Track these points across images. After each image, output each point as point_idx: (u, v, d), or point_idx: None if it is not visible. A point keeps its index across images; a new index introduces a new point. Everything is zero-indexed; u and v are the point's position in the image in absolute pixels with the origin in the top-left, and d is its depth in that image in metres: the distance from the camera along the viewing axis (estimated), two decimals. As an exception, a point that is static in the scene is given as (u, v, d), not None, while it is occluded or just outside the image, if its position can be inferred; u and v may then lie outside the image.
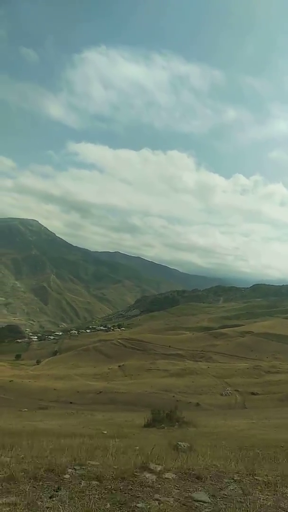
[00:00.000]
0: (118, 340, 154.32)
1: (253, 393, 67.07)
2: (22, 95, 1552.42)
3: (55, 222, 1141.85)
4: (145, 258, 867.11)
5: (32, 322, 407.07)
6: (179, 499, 3.86)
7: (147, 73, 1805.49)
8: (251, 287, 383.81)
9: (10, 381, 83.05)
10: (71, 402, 64.91)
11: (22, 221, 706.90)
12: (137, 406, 55.27)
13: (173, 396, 66.50)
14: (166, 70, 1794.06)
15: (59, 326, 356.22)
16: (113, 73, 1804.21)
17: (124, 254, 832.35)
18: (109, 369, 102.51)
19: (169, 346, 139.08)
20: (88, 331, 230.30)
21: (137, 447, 6.99)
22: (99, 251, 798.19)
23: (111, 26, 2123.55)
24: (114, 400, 65.40)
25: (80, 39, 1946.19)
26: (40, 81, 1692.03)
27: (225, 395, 66.87)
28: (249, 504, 3.72)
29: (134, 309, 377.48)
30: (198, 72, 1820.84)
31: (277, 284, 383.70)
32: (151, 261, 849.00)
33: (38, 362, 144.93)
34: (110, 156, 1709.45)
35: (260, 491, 4.21)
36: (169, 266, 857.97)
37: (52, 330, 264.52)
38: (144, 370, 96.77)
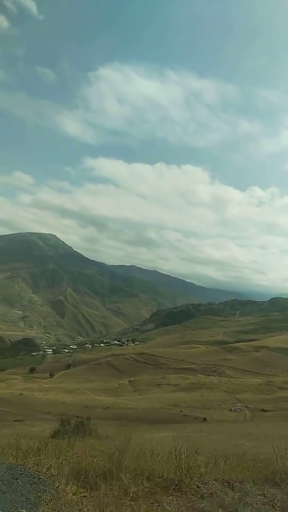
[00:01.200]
0: (131, 355, 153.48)
1: (263, 410, 65.30)
2: (40, 113, 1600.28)
3: (72, 237, 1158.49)
4: (161, 272, 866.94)
5: (48, 335, 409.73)
6: None
7: (161, 88, 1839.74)
8: (269, 300, 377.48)
9: (20, 394, 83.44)
10: (77, 417, 64.53)
11: (40, 236, 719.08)
12: (143, 422, 54.68)
13: (180, 411, 65.41)
14: (179, 85, 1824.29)
15: (74, 340, 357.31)
16: (127, 89, 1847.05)
17: (140, 267, 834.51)
18: (119, 384, 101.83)
19: (182, 360, 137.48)
20: (102, 345, 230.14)
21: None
22: (115, 264, 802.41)
23: (125, 43, 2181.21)
24: (120, 416, 64.70)
25: (95, 57, 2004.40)
26: (57, 99, 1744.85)
27: (234, 410, 65.35)
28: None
29: (149, 323, 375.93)
30: (211, 87, 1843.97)
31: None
32: (167, 275, 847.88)
33: (51, 375, 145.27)
34: (125, 170, 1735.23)
35: None
36: (185, 280, 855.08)
37: (67, 344, 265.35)
38: (154, 385, 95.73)
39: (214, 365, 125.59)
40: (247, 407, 67.70)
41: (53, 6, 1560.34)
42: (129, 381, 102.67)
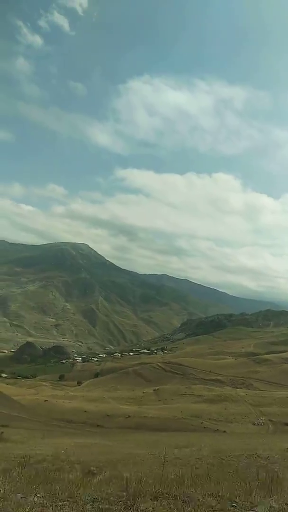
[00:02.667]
0: (158, 364, 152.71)
1: (287, 424, 63.18)
2: (72, 126, 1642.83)
3: (104, 246, 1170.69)
4: (193, 281, 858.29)
5: (80, 343, 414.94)
6: None
7: (190, 98, 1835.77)
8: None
9: (45, 401, 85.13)
10: (98, 425, 65.13)
11: (73, 245, 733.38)
12: (164, 432, 54.31)
13: (201, 423, 64.45)
14: (209, 94, 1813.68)
15: (105, 348, 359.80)
16: (157, 100, 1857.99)
17: (171, 276, 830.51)
18: (143, 393, 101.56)
19: (209, 371, 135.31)
20: (131, 353, 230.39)
21: None
22: (147, 273, 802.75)
23: (153, 55, 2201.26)
24: (141, 425, 64.61)
25: (125, 70, 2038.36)
26: (88, 111, 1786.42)
27: (257, 424, 63.57)
28: None
29: (179, 333, 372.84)
30: (241, 94, 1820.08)
31: None
32: (199, 284, 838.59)
33: (79, 383, 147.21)
34: (155, 180, 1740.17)
35: None
36: (217, 289, 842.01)
37: (97, 352, 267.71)
38: (178, 395, 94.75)
39: (242, 377, 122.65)
40: (271, 420, 65.69)
41: (84, 22, 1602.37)
42: (154, 390, 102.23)
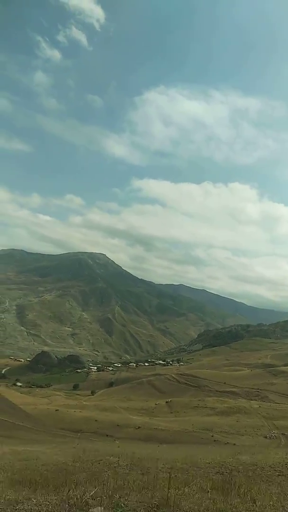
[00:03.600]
0: (172, 375, 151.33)
1: (300, 439, 61.38)
2: (89, 138, 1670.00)
3: (121, 256, 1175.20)
4: (210, 291, 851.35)
5: (96, 353, 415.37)
6: None
7: (206, 108, 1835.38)
8: None
9: (56, 410, 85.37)
10: (107, 435, 64.88)
11: (91, 255, 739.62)
12: (172, 444, 53.69)
13: (212, 436, 63.37)
14: (224, 104, 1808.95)
15: (121, 358, 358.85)
16: (173, 110, 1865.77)
17: (188, 286, 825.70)
18: (156, 404, 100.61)
19: (224, 383, 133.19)
20: (146, 364, 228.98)
21: None
22: (163, 283, 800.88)
23: (168, 66, 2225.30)
24: (150, 437, 64.02)
25: (140, 82, 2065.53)
26: (104, 123, 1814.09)
27: (269, 438, 62.00)
28: None
29: (196, 344, 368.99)
30: (256, 104, 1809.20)
31: None
32: (216, 294, 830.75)
33: (92, 393, 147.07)
34: (172, 190, 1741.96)
35: None
36: (235, 299, 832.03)
37: (112, 362, 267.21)
38: (191, 407, 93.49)
39: (258, 389, 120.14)
40: (284, 434, 64.00)
41: (102, 37, 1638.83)
42: (166, 402, 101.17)
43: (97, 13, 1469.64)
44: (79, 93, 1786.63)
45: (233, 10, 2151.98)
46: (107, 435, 64.84)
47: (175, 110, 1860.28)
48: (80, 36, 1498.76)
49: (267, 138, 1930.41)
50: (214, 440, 60.60)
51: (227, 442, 58.71)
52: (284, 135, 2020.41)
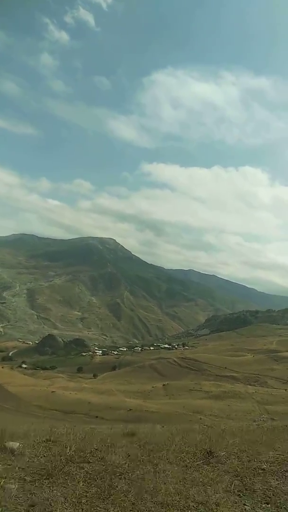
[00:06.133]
0: (174, 359, 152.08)
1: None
2: (98, 120, 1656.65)
3: (131, 240, 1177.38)
4: (220, 276, 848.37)
5: (105, 337, 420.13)
6: None
7: (216, 90, 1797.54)
8: None
9: (52, 391, 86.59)
10: (97, 417, 65.54)
11: (100, 240, 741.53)
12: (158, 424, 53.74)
13: (200, 419, 63.34)
14: (235, 85, 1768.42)
15: (128, 342, 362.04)
16: (182, 93, 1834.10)
17: (198, 272, 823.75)
18: (153, 387, 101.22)
19: (225, 368, 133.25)
20: (151, 348, 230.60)
21: None
22: (173, 268, 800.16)
23: (177, 47, 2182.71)
24: (141, 418, 64.19)
25: (148, 63, 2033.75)
26: (113, 106, 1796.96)
27: (257, 422, 61.83)
28: None
29: (204, 328, 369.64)
30: (269, 85, 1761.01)
31: None
32: (226, 280, 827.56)
33: (95, 376, 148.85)
34: (181, 175, 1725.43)
35: None
36: (246, 285, 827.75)
37: (118, 346, 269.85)
38: (186, 390, 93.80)
39: (258, 374, 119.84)
40: (273, 419, 63.52)
41: (109, 17, 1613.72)
42: (163, 385, 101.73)
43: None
44: (87, 75, 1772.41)
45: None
46: (97, 417, 65.47)
47: (184, 91, 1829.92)
48: (88, 17, 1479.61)
49: (280, 120, 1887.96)
50: (201, 423, 60.66)
51: (212, 426, 58.70)
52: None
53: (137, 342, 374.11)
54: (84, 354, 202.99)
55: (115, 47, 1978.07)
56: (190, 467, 6.02)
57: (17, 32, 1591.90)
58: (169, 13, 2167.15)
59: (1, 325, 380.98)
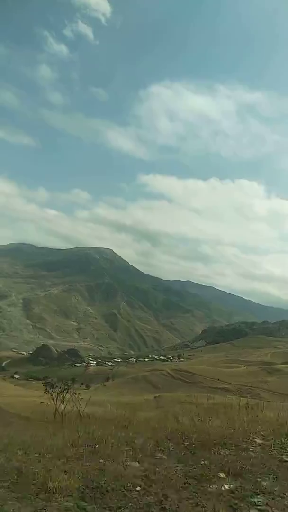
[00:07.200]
0: (168, 371, 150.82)
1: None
2: (95, 132, 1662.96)
3: (128, 251, 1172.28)
4: (218, 288, 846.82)
5: (100, 347, 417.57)
6: None
7: (212, 103, 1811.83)
8: None
9: (41, 402, 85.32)
10: (83, 428, 64.49)
11: (98, 250, 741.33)
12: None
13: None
14: (230, 99, 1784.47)
15: (124, 353, 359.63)
16: (178, 105, 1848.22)
17: (195, 283, 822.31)
18: (144, 399, 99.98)
19: (218, 379, 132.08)
20: (146, 359, 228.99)
21: None
22: (171, 279, 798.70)
23: (173, 60, 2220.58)
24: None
25: (145, 75, 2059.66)
26: (110, 117, 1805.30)
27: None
28: None
29: (200, 340, 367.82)
30: (264, 100, 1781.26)
31: None
32: (224, 291, 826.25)
33: (87, 387, 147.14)
34: (178, 186, 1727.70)
35: None
36: (243, 297, 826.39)
37: (113, 357, 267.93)
38: (178, 402, 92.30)
39: (250, 386, 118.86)
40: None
41: (108, 31, 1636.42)
42: (155, 397, 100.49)
43: (103, 7, 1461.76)
44: (84, 86, 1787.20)
45: (238, 3, 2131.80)
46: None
47: (181, 104, 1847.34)
48: (86, 30, 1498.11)
49: (275, 134, 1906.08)
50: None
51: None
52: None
53: (133, 353, 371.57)
54: (78, 364, 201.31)
55: (112, 59, 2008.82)
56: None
57: (17, 44, 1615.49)
58: (165, 27, 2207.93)
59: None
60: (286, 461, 6.53)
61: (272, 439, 7.74)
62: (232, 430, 8.35)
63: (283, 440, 7.65)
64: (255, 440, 7.71)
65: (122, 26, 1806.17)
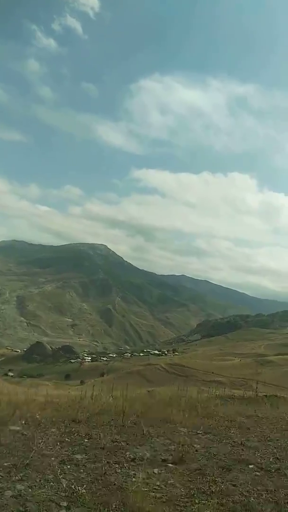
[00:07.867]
0: (162, 365, 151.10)
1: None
2: (86, 127, 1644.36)
3: (122, 247, 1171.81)
4: (212, 282, 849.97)
5: (96, 343, 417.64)
6: None
7: (203, 96, 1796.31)
8: None
9: (34, 400, 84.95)
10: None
11: (91, 246, 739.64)
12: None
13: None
14: (222, 92, 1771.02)
15: (119, 349, 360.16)
16: (169, 99, 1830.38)
17: (190, 277, 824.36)
18: (137, 394, 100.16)
19: (212, 373, 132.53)
20: (141, 354, 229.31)
21: None
22: (165, 274, 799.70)
23: (164, 54, 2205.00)
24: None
25: (136, 70, 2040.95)
26: (101, 112, 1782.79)
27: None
28: None
29: (195, 334, 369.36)
30: (255, 92, 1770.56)
31: None
32: (218, 285, 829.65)
33: (82, 383, 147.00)
34: (171, 180, 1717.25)
35: None
36: (238, 290, 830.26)
37: (108, 352, 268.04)
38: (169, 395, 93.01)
39: (243, 378, 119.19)
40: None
41: (97, 25, 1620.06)
42: (148, 391, 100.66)
43: (92, 1, 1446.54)
44: (74, 81, 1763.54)
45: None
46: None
47: (172, 97, 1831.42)
48: (75, 25, 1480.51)
49: (267, 127, 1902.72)
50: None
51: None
52: (284, 124, 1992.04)
53: (128, 348, 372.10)
54: (72, 361, 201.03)
55: (102, 54, 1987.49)
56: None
57: (4, 39, 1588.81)
58: (155, 21, 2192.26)
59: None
60: None
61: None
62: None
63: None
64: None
65: (112, 20, 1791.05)
